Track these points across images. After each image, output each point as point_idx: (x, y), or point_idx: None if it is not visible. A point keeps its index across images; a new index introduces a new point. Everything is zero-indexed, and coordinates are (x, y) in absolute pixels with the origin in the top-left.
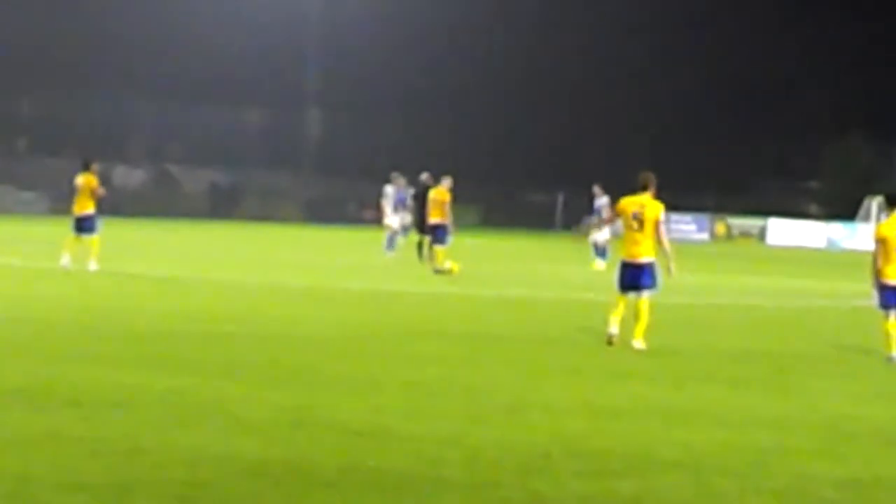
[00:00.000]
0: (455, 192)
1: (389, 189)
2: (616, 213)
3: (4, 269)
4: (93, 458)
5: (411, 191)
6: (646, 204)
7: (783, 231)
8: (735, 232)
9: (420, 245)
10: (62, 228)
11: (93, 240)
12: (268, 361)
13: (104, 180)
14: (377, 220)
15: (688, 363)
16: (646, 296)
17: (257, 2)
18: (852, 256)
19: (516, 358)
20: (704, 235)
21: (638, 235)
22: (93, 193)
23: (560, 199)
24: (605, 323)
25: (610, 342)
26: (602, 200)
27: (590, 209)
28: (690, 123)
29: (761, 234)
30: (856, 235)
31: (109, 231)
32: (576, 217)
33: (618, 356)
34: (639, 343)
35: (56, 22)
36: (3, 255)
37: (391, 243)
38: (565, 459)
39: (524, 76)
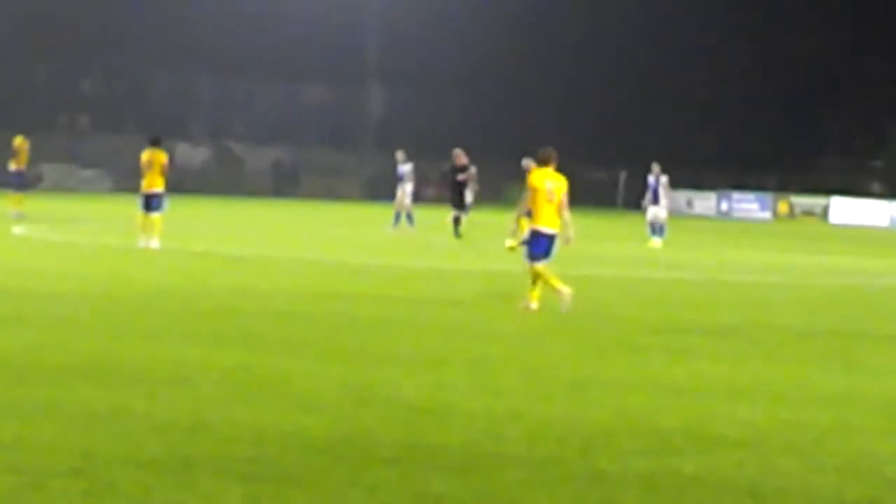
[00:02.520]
0: (518, 170)
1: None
2: (530, 189)
3: (68, 247)
4: (156, 435)
5: (474, 169)
6: (556, 178)
7: (846, 210)
8: (798, 211)
9: (457, 220)
10: (124, 206)
11: (157, 218)
12: (331, 338)
13: (167, 158)
14: (438, 198)
15: (749, 341)
16: (546, 263)
17: None
18: None
19: (578, 335)
20: (767, 214)
21: (552, 207)
22: (162, 170)
23: (622, 177)
24: (559, 289)
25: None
26: (662, 179)
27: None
28: (753, 102)
29: (824, 213)
30: None
31: (172, 209)
32: (638, 195)
33: (679, 333)
34: (535, 304)
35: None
36: (67, 232)
37: (398, 220)
38: (627, 437)
39: (586, 53)
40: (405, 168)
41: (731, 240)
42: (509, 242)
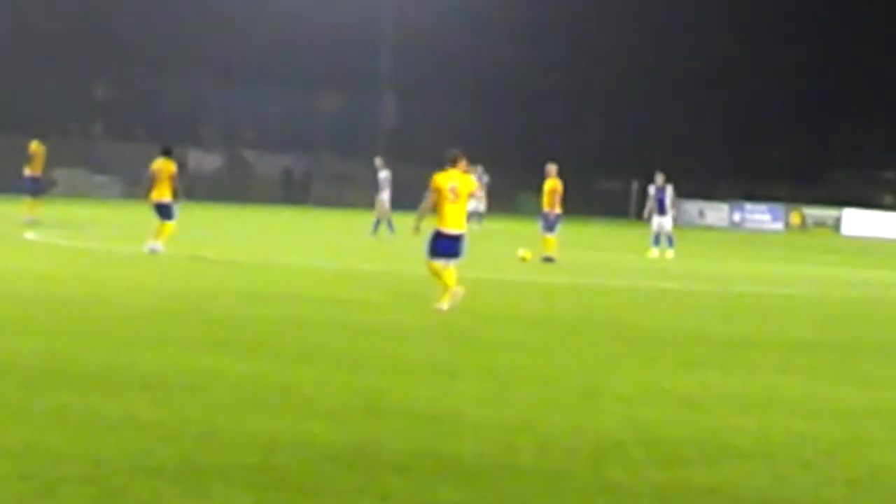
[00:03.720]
0: (529, 179)
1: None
2: (433, 189)
3: (79, 253)
4: (167, 442)
5: (486, 178)
6: (460, 178)
7: (858, 221)
8: (810, 222)
9: None
10: (136, 212)
11: (169, 225)
12: (342, 346)
13: (179, 164)
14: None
15: (761, 352)
16: (454, 264)
17: None
18: None
19: (589, 345)
20: (779, 225)
21: (456, 207)
22: (171, 180)
23: (634, 186)
24: (435, 293)
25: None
26: (668, 190)
27: (656, 197)
28: (766, 113)
29: (836, 225)
30: None
31: (184, 215)
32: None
33: (690, 344)
34: (444, 305)
35: (131, 5)
36: (78, 238)
37: (377, 227)
38: (639, 448)
39: (598, 63)
40: (382, 175)
41: (742, 251)
42: (522, 252)
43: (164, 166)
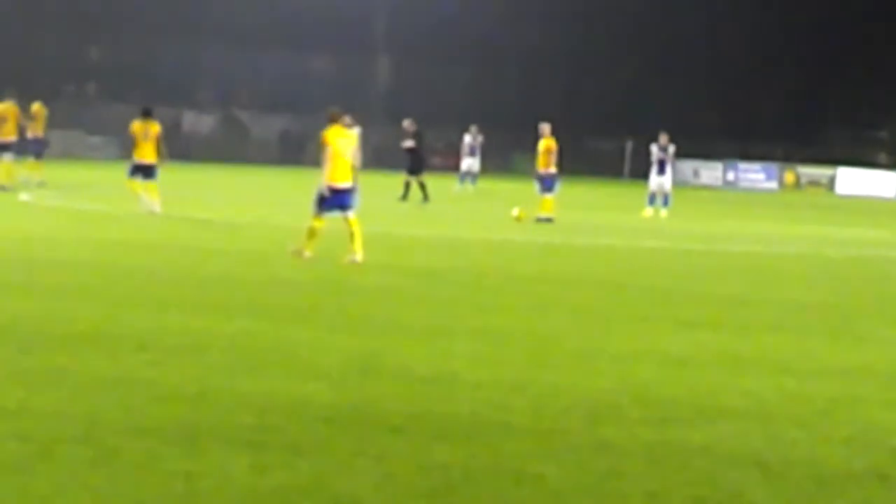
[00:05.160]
0: (524, 139)
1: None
2: (324, 146)
3: (74, 214)
4: (161, 403)
5: (480, 138)
6: (345, 135)
7: (852, 180)
8: (804, 181)
9: (407, 185)
10: None
11: (153, 185)
12: (336, 307)
13: (174, 125)
14: (445, 167)
15: (755, 311)
16: (353, 214)
17: None
18: None
19: (584, 305)
20: (773, 184)
21: (343, 162)
22: (157, 140)
23: (628, 146)
24: (301, 244)
25: (299, 255)
26: (670, 150)
27: (657, 156)
28: (760, 72)
29: (830, 184)
30: None
31: (179, 176)
32: (644, 165)
33: (684, 304)
34: (360, 256)
35: None
36: (73, 199)
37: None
38: (633, 407)
39: (593, 23)
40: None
41: (737, 210)
42: (516, 212)
43: (147, 127)
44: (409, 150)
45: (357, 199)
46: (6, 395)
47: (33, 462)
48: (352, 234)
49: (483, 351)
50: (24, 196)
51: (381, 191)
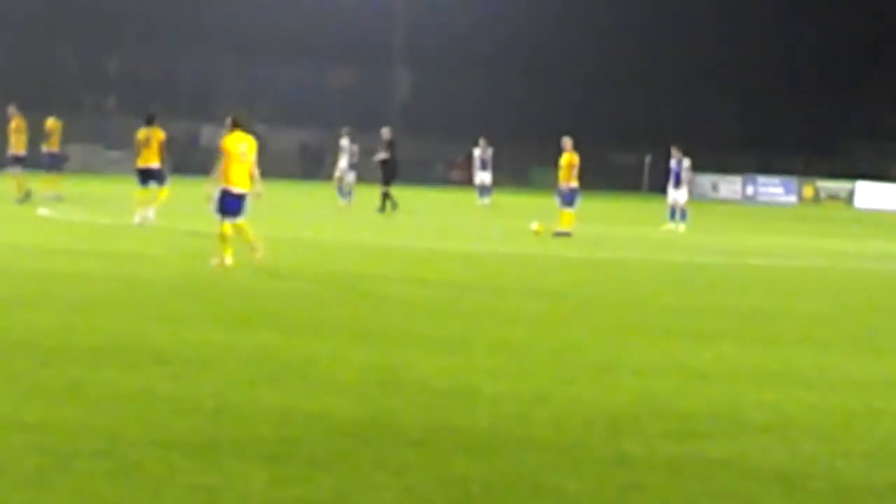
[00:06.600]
0: (542, 153)
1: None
2: (224, 152)
3: (93, 228)
4: (182, 416)
5: (490, 151)
6: (247, 141)
7: (871, 194)
8: (823, 195)
9: (385, 196)
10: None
11: (158, 190)
12: (356, 320)
13: (192, 139)
14: (464, 181)
15: (776, 325)
16: (242, 219)
17: None
18: None
19: (604, 318)
20: (792, 198)
21: (242, 168)
22: (160, 147)
23: (647, 160)
24: (219, 254)
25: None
26: (684, 163)
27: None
28: (780, 85)
29: (849, 197)
30: None
31: (197, 189)
32: (663, 178)
33: (705, 317)
34: (259, 245)
35: None
36: (92, 213)
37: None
38: (654, 420)
39: (612, 36)
40: (344, 143)
41: (756, 224)
42: (535, 226)
43: (151, 134)
44: (383, 162)
45: (247, 206)
46: (26, 408)
47: (53, 475)
48: (243, 235)
49: (503, 364)
50: (42, 210)
51: (401, 204)
